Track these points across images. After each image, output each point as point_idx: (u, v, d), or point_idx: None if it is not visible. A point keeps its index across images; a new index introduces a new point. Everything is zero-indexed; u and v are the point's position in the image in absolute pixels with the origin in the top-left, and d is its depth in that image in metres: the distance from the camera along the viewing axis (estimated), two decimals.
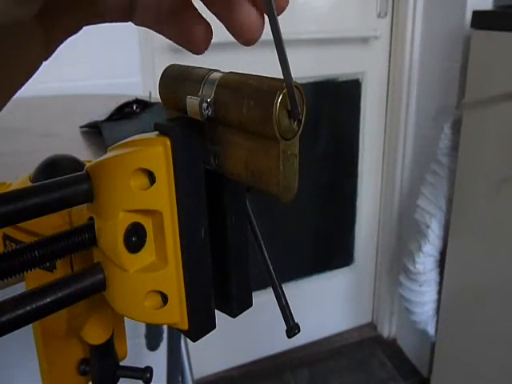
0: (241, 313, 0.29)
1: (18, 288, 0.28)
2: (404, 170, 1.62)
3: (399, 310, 1.76)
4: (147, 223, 0.24)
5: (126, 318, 0.27)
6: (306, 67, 1.48)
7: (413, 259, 1.41)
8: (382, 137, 1.69)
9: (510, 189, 1.13)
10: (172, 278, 0.24)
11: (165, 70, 0.26)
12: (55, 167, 0.34)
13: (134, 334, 1.17)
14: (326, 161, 1.68)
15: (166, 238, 0.24)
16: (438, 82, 1.42)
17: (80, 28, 0.22)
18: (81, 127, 0.81)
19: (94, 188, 0.24)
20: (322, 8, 1.45)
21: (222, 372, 1.68)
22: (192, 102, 0.23)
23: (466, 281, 1.33)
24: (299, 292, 1.72)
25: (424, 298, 1.45)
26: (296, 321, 0.30)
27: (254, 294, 0.30)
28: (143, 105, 0.83)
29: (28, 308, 0.23)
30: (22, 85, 0.21)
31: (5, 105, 0.21)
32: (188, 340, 0.94)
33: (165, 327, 1.00)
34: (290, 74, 0.19)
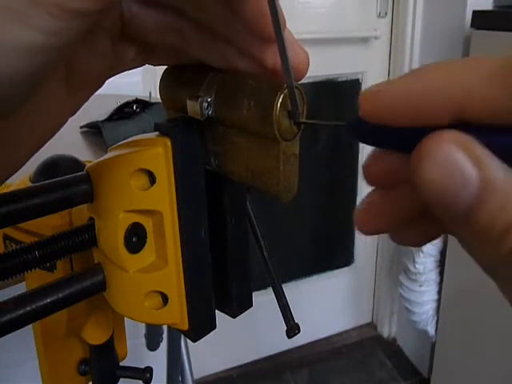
0: (241, 313, 0.29)
1: (19, 288, 0.28)
2: None
3: (399, 309, 1.76)
4: (147, 223, 0.24)
5: (126, 318, 0.27)
6: None
7: (413, 259, 1.41)
8: None
9: None
10: (172, 279, 0.24)
11: (165, 71, 0.26)
12: (55, 167, 0.34)
13: (133, 334, 1.17)
14: (326, 161, 1.68)
15: (166, 238, 0.24)
16: None
17: (105, 81, 0.23)
18: (81, 127, 0.81)
19: (94, 188, 0.24)
20: (322, 8, 1.45)
21: (221, 372, 1.68)
22: (192, 101, 0.23)
23: (466, 281, 1.33)
24: (299, 292, 1.72)
25: (424, 298, 1.45)
26: (296, 321, 0.30)
27: (254, 294, 0.30)
28: (143, 105, 0.83)
29: (28, 308, 0.23)
30: (45, 141, 0.21)
31: (27, 161, 0.20)
32: (188, 340, 0.94)
33: (165, 327, 1.00)
34: (291, 75, 0.19)
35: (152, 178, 0.23)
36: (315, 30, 1.45)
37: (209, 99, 0.23)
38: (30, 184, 0.34)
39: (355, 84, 1.60)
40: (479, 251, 0.14)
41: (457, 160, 0.13)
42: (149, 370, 0.39)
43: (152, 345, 1.04)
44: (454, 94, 0.14)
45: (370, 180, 0.18)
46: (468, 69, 0.14)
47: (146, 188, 0.23)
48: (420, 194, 0.14)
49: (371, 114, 0.15)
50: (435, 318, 1.48)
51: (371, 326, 1.91)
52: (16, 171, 0.20)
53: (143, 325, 1.07)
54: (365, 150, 1.68)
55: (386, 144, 0.16)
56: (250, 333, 1.68)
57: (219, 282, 0.28)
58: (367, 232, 0.18)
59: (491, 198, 0.13)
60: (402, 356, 1.74)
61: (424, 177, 0.13)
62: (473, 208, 0.13)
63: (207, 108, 0.23)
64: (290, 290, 1.68)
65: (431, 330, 1.49)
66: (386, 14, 1.53)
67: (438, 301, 1.45)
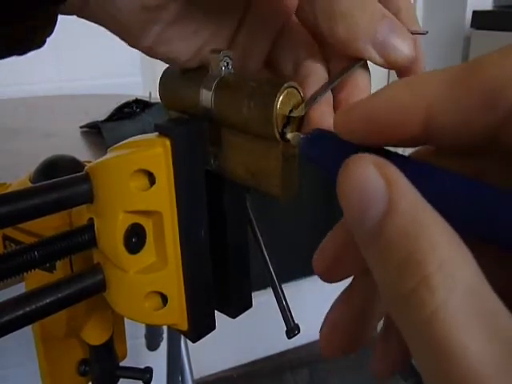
0: (240, 314, 0.29)
1: (19, 289, 0.28)
2: None
3: None
4: (147, 224, 0.24)
5: (125, 318, 0.27)
6: None
7: None
8: None
9: None
10: (172, 279, 0.24)
11: (165, 71, 0.26)
12: (55, 168, 0.34)
13: (133, 334, 1.17)
14: None
15: (165, 238, 0.24)
16: None
17: None
18: (81, 127, 0.81)
19: (93, 189, 0.24)
20: None
21: (221, 372, 1.68)
22: (214, 54, 0.23)
23: None
24: (299, 292, 1.72)
25: None
26: (296, 321, 0.30)
27: (253, 293, 0.30)
28: (143, 105, 0.83)
29: (28, 309, 0.23)
30: None
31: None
32: (188, 340, 0.94)
33: (165, 327, 1.00)
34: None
35: (152, 179, 0.23)
36: None
37: (229, 60, 0.23)
38: (29, 184, 0.34)
39: None
40: (381, 282, 0.13)
41: (368, 175, 0.13)
42: (149, 370, 0.39)
43: (152, 345, 1.04)
44: (417, 106, 0.14)
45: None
46: (430, 79, 0.14)
47: (145, 188, 0.23)
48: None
49: (344, 129, 0.16)
50: None
51: None
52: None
53: (143, 325, 1.07)
54: None
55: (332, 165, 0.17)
56: (250, 333, 1.68)
57: (219, 282, 0.27)
58: (335, 354, 0.18)
59: (395, 219, 0.12)
60: None
61: (340, 192, 0.14)
62: (379, 227, 0.13)
63: (227, 66, 0.23)
64: (290, 290, 1.68)
65: None
66: None
67: None
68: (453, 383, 0.10)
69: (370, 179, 0.13)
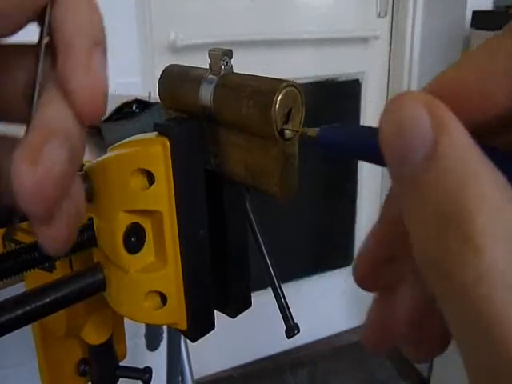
0: (239, 313, 0.29)
1: (18, 288, 0.28)
2: None
3: None
4: (147, 224, 0.24)
5: (125, 317, 0.27)
6: (306, 67, 1.48)
7: None
8: None
9: None
10: (171, 279, 0.24)
11: (164, 71, 0.26)
12: None
13: (133, 334, 1.17)
14: (325, 160, 1.68)
15: (165, 238, 0.24)
16: None
17: None
18: None
19: (93, 188, 0.24)
20: (322, 8, 1.44)
21: (221, 372, 1.68)
22: (213, 52, 0.23)
23: None
24: (299, 292, 1.72)
25: None
26: (296, 321, 0.30)
27: (253, 293, 0.30)
28: (143, 105, 0.83)
29: (27, 308, 0.23)
30: None
31: None
32: (188, 340, 0.94)
33: (165, 327, 1.00)
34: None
35: (151, 178, 0.23)
36: (315, 30, 1.45)
37: (227, 60, 0.23)
38: None
39: (355, 84, 1.60)
40: (416, 238, 0.12)
41: (414, 115, 0.12)
42: (148, 370, 0.39)
43: (152, 345, 1.04)
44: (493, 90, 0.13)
45: (365, 286, 0.17)
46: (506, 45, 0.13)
47: (145, 188, 0.23)
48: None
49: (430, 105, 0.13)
50: None
51: None
52: None
53: (143, 325, 1.07)
54: None
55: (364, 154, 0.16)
56: (250, 333, 1.68)
57: (218, 282, 0.27)
58: (381, 352, 0.17)
59: (439, 163, 0.11)
60: (402, 356, 1.73)
61: (381, 130, 0.13)
62: (420, 171, 0.11)
63: (226, 64, 0.23)
64: (290, 290, 1.68)
65: None
66: (385, 14, 1.53)
67: None
68: (494, 356, 0.09)
69: (418, 117, 0.12)
